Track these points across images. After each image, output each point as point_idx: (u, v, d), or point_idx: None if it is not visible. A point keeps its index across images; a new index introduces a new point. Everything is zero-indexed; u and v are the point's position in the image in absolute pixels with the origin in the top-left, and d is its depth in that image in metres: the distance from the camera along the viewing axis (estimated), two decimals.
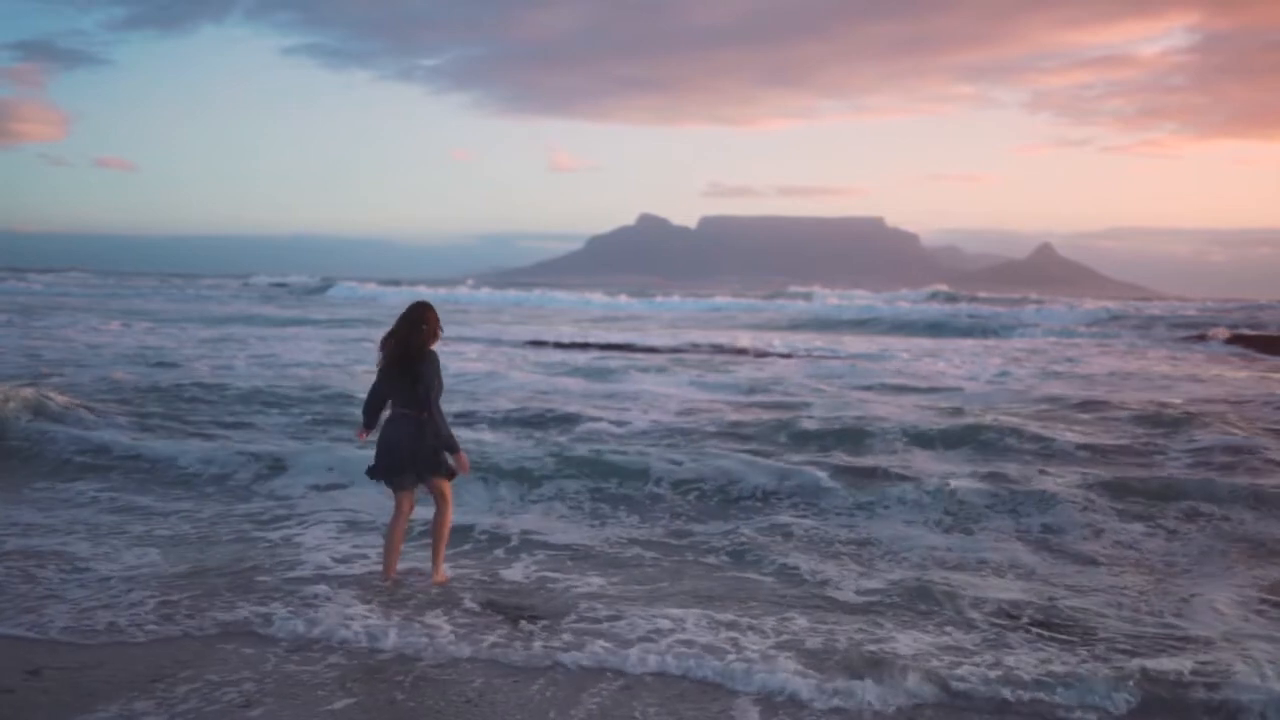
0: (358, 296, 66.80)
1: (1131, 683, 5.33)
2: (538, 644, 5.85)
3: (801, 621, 6.31)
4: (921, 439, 12.64)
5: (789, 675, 5.43)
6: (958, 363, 24.97)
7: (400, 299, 60.43)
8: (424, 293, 65.38)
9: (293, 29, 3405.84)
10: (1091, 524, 8.93)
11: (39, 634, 5.94)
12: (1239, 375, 22.83)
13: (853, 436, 12.69)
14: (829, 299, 65.81)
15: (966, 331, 40.53)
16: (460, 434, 7.64)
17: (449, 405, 8.98)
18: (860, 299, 66.32)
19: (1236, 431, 13.25)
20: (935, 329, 41.17)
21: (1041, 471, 10.74)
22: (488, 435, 12.47)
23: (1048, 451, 12.11)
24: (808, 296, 69.75)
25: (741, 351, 27.52)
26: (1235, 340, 33.60)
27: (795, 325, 45.36)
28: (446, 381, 7.01)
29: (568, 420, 13.74)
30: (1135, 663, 5.61)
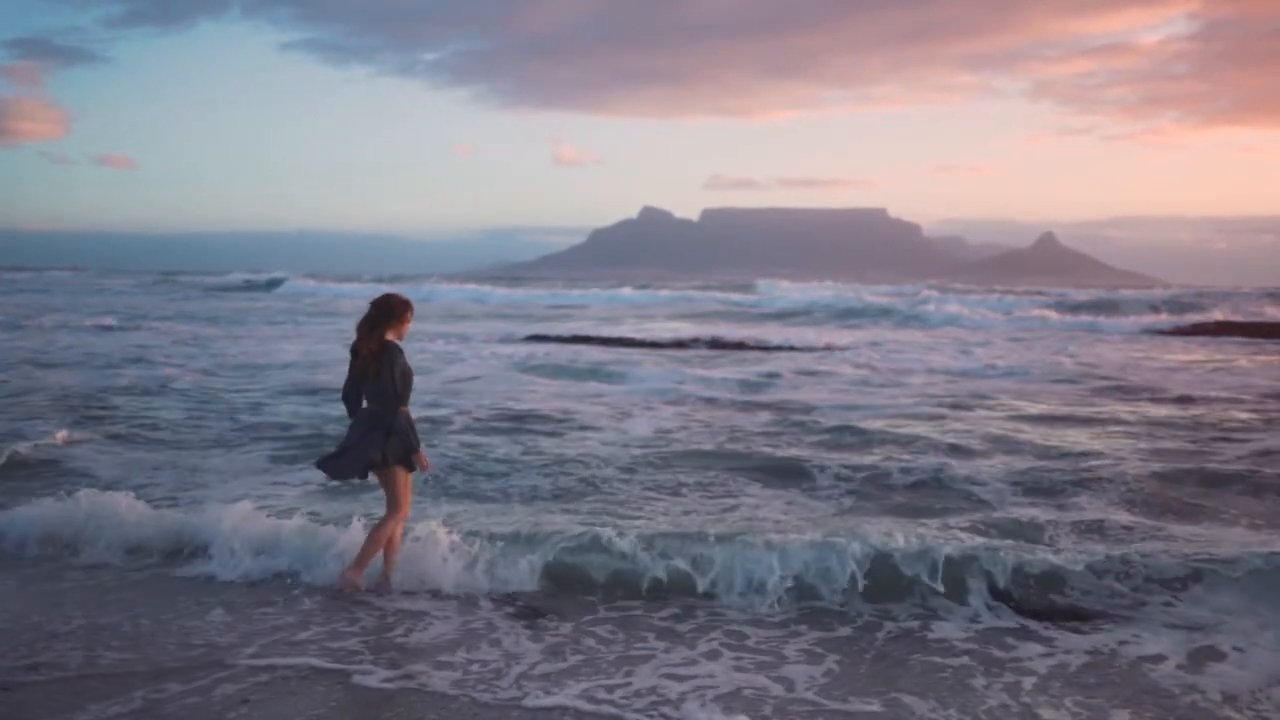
0: (301, 292, 67.20)
1: None
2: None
3: None
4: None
5: None
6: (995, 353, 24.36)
7: (337, 295, 58.72)
8: (382, 290, 61.92)
9: (291, 24, 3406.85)
10: None
11: (43, 626, 5.93)
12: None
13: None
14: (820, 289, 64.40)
15: (915, 319, 41.37)
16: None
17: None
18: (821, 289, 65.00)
19: None
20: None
21: None
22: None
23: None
24: (748, 288, 70.38)
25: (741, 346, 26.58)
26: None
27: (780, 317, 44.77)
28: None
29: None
30: None
